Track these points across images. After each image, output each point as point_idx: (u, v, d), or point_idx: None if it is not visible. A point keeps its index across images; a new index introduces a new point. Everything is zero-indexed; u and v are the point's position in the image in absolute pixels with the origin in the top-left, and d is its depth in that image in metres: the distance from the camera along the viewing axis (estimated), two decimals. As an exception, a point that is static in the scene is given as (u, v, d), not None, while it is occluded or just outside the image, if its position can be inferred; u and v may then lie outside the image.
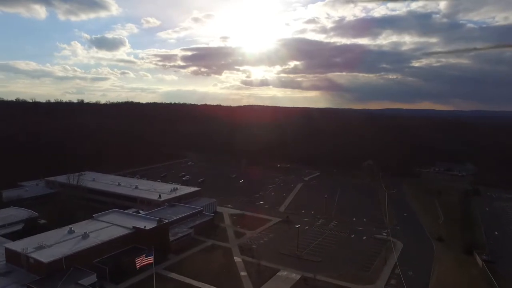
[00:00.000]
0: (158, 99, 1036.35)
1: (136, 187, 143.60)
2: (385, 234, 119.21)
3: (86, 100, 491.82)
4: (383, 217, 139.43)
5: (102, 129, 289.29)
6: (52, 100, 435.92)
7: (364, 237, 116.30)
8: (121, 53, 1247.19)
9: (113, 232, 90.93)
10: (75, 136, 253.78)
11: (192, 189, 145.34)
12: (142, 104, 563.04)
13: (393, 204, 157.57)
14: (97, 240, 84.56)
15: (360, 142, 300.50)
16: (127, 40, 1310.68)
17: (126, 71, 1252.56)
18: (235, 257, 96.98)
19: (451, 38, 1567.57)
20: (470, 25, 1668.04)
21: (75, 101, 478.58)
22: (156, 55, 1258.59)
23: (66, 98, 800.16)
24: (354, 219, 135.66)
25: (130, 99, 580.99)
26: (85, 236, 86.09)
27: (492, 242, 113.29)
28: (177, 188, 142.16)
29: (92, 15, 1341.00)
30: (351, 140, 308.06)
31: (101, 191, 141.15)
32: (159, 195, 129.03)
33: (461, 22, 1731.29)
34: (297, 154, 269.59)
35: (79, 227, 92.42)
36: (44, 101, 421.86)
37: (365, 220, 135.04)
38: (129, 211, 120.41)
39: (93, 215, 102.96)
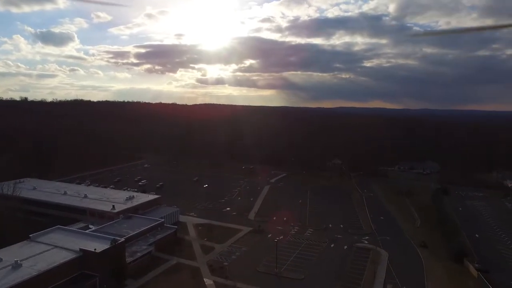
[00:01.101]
0: (110, 98, 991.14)
1: (85, 196, 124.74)
2: (366, 242, 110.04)
3: (31, 98, 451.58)
4: (360, 222, 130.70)
5: (47, 130, 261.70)
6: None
7: (345, 246, 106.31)
8: (70, 49, 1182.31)
9: (55, 257, 73.74)
10: (14, 138, 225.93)
11: (151, 196, 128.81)
12: (93, 102, 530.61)
13: (367, 207, 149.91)
14: (32, 271, 67.18)
15: (320, 140, 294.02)
16: (76, 36, 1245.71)
17: (75, 68, 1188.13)
18: (205, 279, 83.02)
19: (400, 40, 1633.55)
20: (416, 28, 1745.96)
21: (18, 98, 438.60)
22: (107, 52, 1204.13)
23: (9, 95, 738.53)
24: (330, 225, 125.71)
25: (80, 97, 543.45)
26: (16, 266, 68.48)
27: (480, 248, 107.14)
28: (133, 196, 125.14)
29: (36, 7, 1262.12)
30: (311, 139, 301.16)
31: (43, 202, 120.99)
32: (113, 206, 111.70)
33: (408, 25, 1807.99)
34: (259, 154, 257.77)
35: (9, 253, 74.18)
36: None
37: (342, 226, 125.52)
38: (76, 226, 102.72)
39: (30, 236, 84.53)
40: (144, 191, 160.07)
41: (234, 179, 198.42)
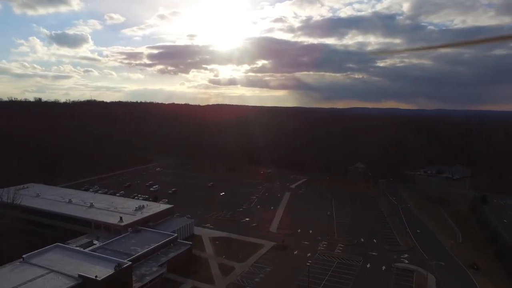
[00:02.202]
0: (124, 98, 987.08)
1: (91, 205, 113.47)
2: (407, 262, 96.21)
3: (47, 99, 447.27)
4: (396, 235, 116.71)
5: (57, 131, 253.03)
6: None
7: (383, 267, 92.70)
8: (84, 50, 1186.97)
9: (49, 285, 62.12)
10: (22, 140, 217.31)
11: (163, 206, 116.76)
12: (106, 103, 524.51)
13: (400, 217, 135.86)
14: (19, 306, 55.80)
15: (338, 142, 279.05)
16: (90, 37, 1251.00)
17: (89, 69, 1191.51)
18: (225, 310, 70.59)
19: (414, 39, 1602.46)
20: (431, 27, 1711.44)
21: (32, 99, 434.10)
22: (121, 53, 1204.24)
23: (25, 96, 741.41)
24: (362, 239, 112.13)
25: (94, 98, 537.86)
26: (0, 298, 57.29)
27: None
28: (143, 205, 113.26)
29: (51, 10, 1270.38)
30: (328, 141, 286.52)
31: (45, 211, 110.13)
32: (120, 218, 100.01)
33: (422, 24, 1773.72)
34: (276, 156, 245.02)
35: (-3, 280, 63.01)
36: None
37: (375, 240, 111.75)
38: (78, 241, 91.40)
39: (23, 256, 73.15)
40: (155, 198, 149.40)
41: (252, 184, 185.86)
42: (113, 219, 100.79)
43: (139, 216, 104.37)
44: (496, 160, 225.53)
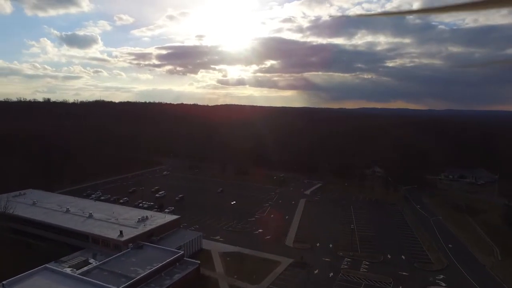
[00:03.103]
0: (133, 98, 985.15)
1: (90, 216, 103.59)
2: (444, 285, 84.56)
3: (57, 100, 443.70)
4: (425, 250, 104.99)
5: (62, 132, 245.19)
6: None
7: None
8: (94, 51, 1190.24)
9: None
10: (25, 141, 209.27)
11: (168, 217, 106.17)
12: (115, 103, 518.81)
13: (427, 228, 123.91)
14: None
15: (351, 144, 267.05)
16: (99, 38, 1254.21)
17: (99, 69, 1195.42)
18: None
19: (424, 38, 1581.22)
20: (441, 26, 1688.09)
21: (41, 100, 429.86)
22: (130, 54, 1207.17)
23: (36, 97, 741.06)
24: (388, 256, 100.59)
25: (103, 99, 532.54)
26: None
27: None
28: (146, 216, 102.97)
29: (61, 11, 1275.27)
30: (340, 143, 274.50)
31: (39, 222, 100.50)
32: (120, 232, 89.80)
33: (433, 23, 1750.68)
34: (287, 159, 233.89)
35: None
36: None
37: (403, 257, 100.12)
38: (72, 260, 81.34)
39: (3, 283, 63.24)
40: (161, 205, 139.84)
41: (264, 190, 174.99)
42: (112, 233, 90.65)
43: (141, 229, 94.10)
44: None
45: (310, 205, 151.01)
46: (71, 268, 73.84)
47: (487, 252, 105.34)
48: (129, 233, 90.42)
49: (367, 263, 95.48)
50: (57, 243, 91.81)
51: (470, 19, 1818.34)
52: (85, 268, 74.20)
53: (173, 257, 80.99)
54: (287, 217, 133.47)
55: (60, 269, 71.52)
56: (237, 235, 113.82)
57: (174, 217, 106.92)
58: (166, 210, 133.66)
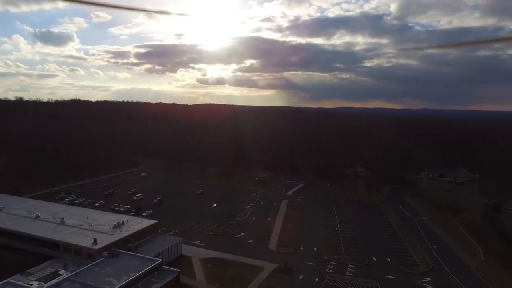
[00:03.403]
0: (110, 98, 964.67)
1: (62, 222, 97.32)
2: (431, 287, 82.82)
3: (31, 98, 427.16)
4: (411, 252, 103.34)
5: (35, 132, 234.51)
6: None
7: (406, 295, 79.23)
8: (70, 48, 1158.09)
9: None
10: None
11: (146, 222, 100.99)
12: (91, 102, 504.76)
13: (412, 229, 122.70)
14: None
15: (331, 144, 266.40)
16: (75, 35, 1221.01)
17: (75, 68, 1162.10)
18: None
19: (401, 39, 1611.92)
20: (418, 27, 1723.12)
21: (13, 98, 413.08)
22: (107, 52, 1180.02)
23: (9, 96, 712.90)
24: (374, 258, 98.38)
25: (80, 98, 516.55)
26: None
27: None
28: (122, 222, 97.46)
29: (35, 7, 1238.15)
30: (320, 142, 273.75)
31: (5, 230, 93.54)
32: (94, 239, 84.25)
33: (410, 24, 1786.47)
34: (268, 159, 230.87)
35: None
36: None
37: (389, 259, 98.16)
38: (40, 272, 75.32)
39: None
40: (139, 208, 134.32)
41: (245, 191, 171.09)
42: (86, 241, 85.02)
43: (117, 235, 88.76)
44: (499, 162, 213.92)
45: (292, 206, 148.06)
46: (38, 282, 68.16)
47: (471, 253, 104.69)
48: (103, 240, 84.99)
49: (353, 266, 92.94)
50: (25, 253, 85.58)
51: (445, 21, 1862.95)
52: (54, 281, 68.65)
53: (151, 265, 76.12)
54: (269, 219, 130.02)
55: (25, 284, 65.80)
56: (218, 239, 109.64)
57: (152, 221, 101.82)
58: (144, 214, 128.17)
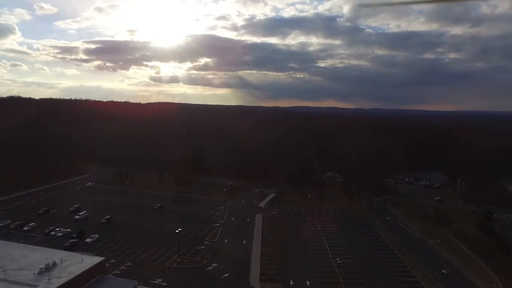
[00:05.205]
0: (58, 95, 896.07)
1: (-34, 266, 69.72)
2: None
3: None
4: (420, 281, 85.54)
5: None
6: None
7: None
8: (11, 42, 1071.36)
9: None
10: None
11: (88, 260, 74.63)
12: (34, 100, 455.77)
13: (409, 248, 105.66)
14: None
15: (295, 145, 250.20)
16: (17, 28, 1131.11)
17: (17, 63, 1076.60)
18: None
19: (353, 41, 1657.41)
20: (368, 30, 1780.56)
21: None
22: (54, 47, 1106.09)
23: None
24: (379, 292, 79.70)
25: (23, 95, 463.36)
26: None
27: None
28: (55, 263, 71.32)
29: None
30: (283, 143, 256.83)
31: None
32: (9, 296, 58.29)
33: (361, 27, 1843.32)
34: (233, 164, 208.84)
35: None
36: None
37: (397, 293, 80.00)
38: None
39: None
40: (81, 232, 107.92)
41: (211, 203, 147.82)
42: (-4, 298, 58.91)
43: (44, 287, 63.00)
44: (472, 164, 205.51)
45: (268, 222, 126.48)
46: None
47: (486, 279, 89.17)
48: (24, 296, 59.18)
49: (357, 305, 73.59)
50: None
51: (393, 25, 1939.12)
52: None
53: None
54: (244, 241, 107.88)
55: None
56: (185, 274, 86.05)
57: (97, 259, 75.61)
58: (88, 240, 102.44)
